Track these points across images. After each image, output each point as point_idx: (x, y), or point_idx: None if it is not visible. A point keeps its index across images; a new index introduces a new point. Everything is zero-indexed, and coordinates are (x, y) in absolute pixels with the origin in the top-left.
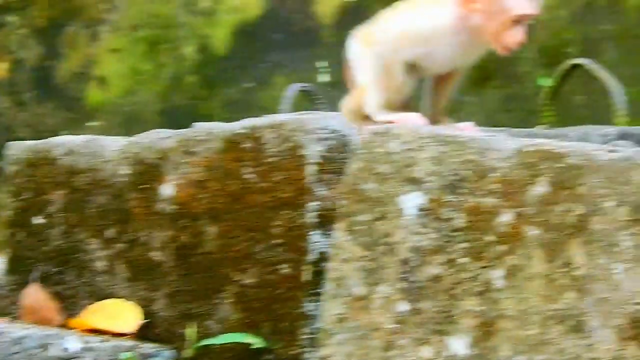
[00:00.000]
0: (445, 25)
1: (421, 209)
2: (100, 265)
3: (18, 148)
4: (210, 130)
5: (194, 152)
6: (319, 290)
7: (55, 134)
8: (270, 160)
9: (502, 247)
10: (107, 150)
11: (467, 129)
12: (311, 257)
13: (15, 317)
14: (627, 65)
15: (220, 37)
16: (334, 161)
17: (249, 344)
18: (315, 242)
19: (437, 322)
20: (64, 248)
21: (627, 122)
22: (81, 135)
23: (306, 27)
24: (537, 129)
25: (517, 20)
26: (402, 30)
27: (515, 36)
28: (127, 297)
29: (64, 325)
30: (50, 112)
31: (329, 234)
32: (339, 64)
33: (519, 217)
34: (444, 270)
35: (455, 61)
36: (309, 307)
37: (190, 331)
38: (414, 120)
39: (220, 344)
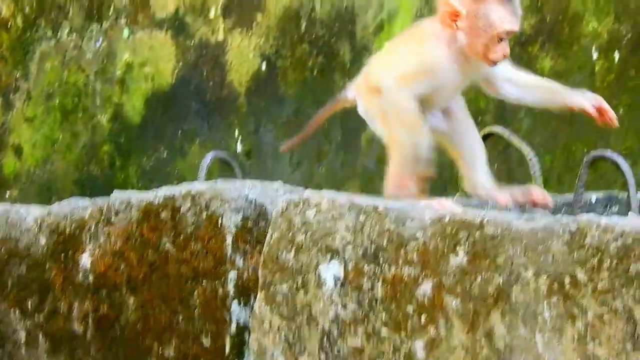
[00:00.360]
0: (442, 58)
1: (340, 279)
2: (21, 336)
3: None
4: (128, 200)
5: (112, 222)
6: None
7: None
8: (188, 230)
9: (423, 318)
10: (25, 219)
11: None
12: (232, 328)
13: None
14: (540, 132)
15: (134, 106)
16: (253, 231)
17: None
18: (236, 312)
19: None
20: None
21: None
22: None
23: (221, 96)
24: (456, 198)
25: (502, 37)
26: (404, 73)
27: (502, 51)
28: None
29: None
30: None
31: (249, 305)
32: (254, 132)
33: (439, 287)
34: (366, 342)
35: (458, 87)
36: None
37: None
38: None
39: None
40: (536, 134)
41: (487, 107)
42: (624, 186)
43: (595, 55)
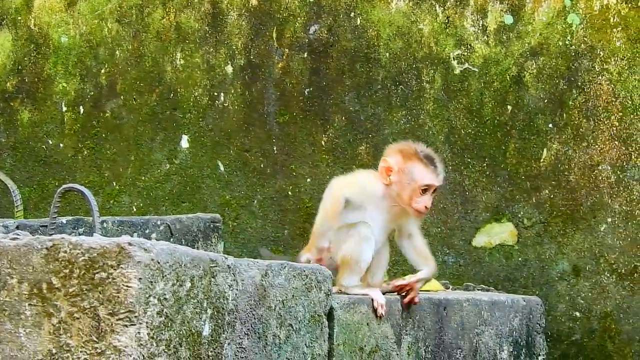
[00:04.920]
0: (376, 188)
1: None
2: None
3: None
4: None
5: None
6: None
7: None
8: None
9: None
10: None
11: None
12: None
13: None
14: (20, 169)
15: None
16: None
17: None
18: None
19: None
20: None
21: (23, 216)
22: None
23: None
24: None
25: (424, 189)
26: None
27: (423, 202)
28: None
29: None
30: None
31: None
32: None
33: None
34: None
35: (389, 223)
36: None
37: None
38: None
39: None
40: (17, 171)
41: None
42: (89, 212)
43: (64, 109)
